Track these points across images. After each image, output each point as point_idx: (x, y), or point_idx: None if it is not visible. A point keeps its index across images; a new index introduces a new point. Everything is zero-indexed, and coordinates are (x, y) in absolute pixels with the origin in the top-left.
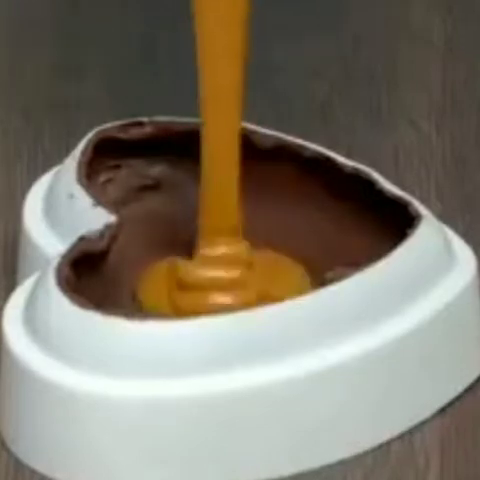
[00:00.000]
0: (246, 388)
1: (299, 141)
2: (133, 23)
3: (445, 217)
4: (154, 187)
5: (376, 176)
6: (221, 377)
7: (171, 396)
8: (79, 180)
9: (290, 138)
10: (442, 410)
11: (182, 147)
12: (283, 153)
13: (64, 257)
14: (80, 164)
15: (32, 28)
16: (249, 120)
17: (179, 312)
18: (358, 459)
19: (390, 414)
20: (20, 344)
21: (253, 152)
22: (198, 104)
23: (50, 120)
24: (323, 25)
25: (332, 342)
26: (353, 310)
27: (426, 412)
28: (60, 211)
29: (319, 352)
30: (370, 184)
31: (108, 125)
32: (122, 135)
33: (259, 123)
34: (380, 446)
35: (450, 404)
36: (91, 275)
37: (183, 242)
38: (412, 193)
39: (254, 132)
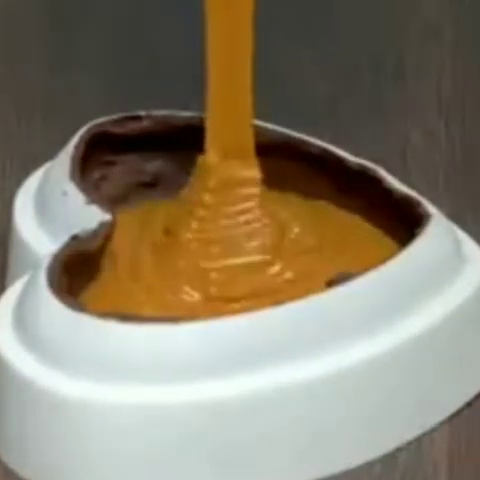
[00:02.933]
0: (248, 393)
1: (305, 138)
2: (130, 16)
3: (454, 216)
4: (151, 184)
5: (383, 174)
6: (221, 382)
7: (168, 402)
8: (72, 177)
9: (296, 134)
10: (451, 417)
11: (181, 142)
12: (289, 150)
13: (56, 257)
14: (73, 160)
15: (24, 24)
16: (253, 117)
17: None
18: (366, 467)
19: (398, 421)
20: (9, 348)
21: (258, 148)
22: (197, 99)
23: (42, 115)
24: (328, 19)
25: (338, 345)
26: (360, 312)
27: (435, 419)
28: (52, 209)
29: (325, 356)
30: (377, 182)
31: (102, 119)
32: (117, 130)
33: (264, 119)
34: (388, 454)
35: (459, 411)
36: (84, 276)
37: None
38: (420, 191)
39: (259, 128)
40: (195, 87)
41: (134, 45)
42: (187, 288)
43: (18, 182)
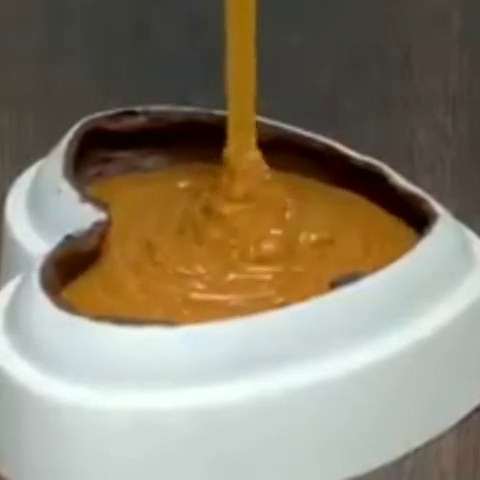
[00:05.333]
0: (249, 399)
1: (309, 134)
2: (125, 7)
3: (462, 215)
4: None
5: (389, 171)
6: (220, 388)
7: (166, 408)
8: (65, 174)
9: (300, 131)
10: (459, 424)
11: (179, 138)
12: (293, 146)
13: (49, 257)
14: (67, 157)
15: (17, 17)
16: (256, 112)
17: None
18: (372, 475)
19: (405, 427)
20: (1, 352)
21: (262, 145)
22: (196, 93)
23: (34, 109)
24: (332, 10)
25: (342, 348)
26: (365, 314)
27: (443, 425)
28: (45, 207)
29: (329, 359)
30: (383, 179)
31: (98, 115)
32: (113, 126)
33: (267, 116)
34: (395, 461)
35: (467, 417)
36: (79, 277)
37: None
38: (427, 189)
39: (263, 124)
40: (197, 83)
41: (132, 39)
42: (180, 288)
43: (10, 180)
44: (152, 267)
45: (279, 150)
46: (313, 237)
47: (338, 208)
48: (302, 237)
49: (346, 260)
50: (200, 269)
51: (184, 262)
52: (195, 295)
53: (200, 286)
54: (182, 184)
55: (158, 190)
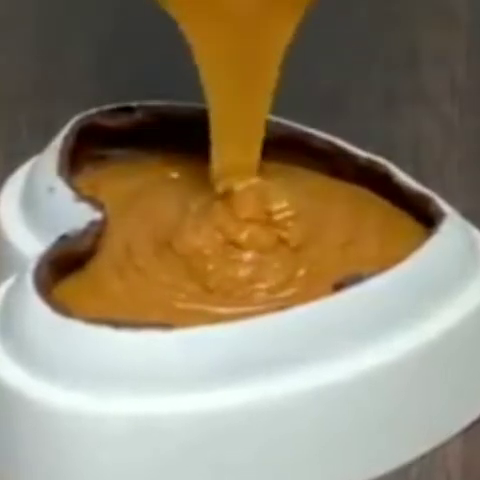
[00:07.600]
0: (249, 403)
1: (312, 131)
2: (125, 6)
3: (470, 214)
4: None
5: (394, 169)
6: (220, 392)
7: (165, 413)
8: (60, 172)
9: (303, 128)
10: (465, 430)
11: (177, 135)
12: (293, 143)
13: (43, 258)
14: (61, 154)
15: (11, 12)
16: None
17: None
18: None
19: (411, 433)
20: None
21: (268, 142)
22: (194, 88)
23: (28, 106)
24: (336, 3)
25: (343, 353)
26: (369, 317)
27: (450, 431)
28: (39, 207)
29: (330, 363)
30: (387, 178)
31: (93, 110)
32: (109, 122)
33: (270, 113)
34: (400, 468)
35: (474, 424)
36: (73, 278)
37: None
38: (433, 187)
39: (270, 122)
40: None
41: (131, 31)
42: (176, 292)
43: (3, 178)
44: (135, 272)
45: (286, 148)
46: (331, 239)
47: (354, 206)
48: (316, 238)
49: (363, 261)
50: (185, 278)
51: (167, 271)
52: (182, 304)
53: (184, 296)
54: (172, 175)
55: (147, 183)
